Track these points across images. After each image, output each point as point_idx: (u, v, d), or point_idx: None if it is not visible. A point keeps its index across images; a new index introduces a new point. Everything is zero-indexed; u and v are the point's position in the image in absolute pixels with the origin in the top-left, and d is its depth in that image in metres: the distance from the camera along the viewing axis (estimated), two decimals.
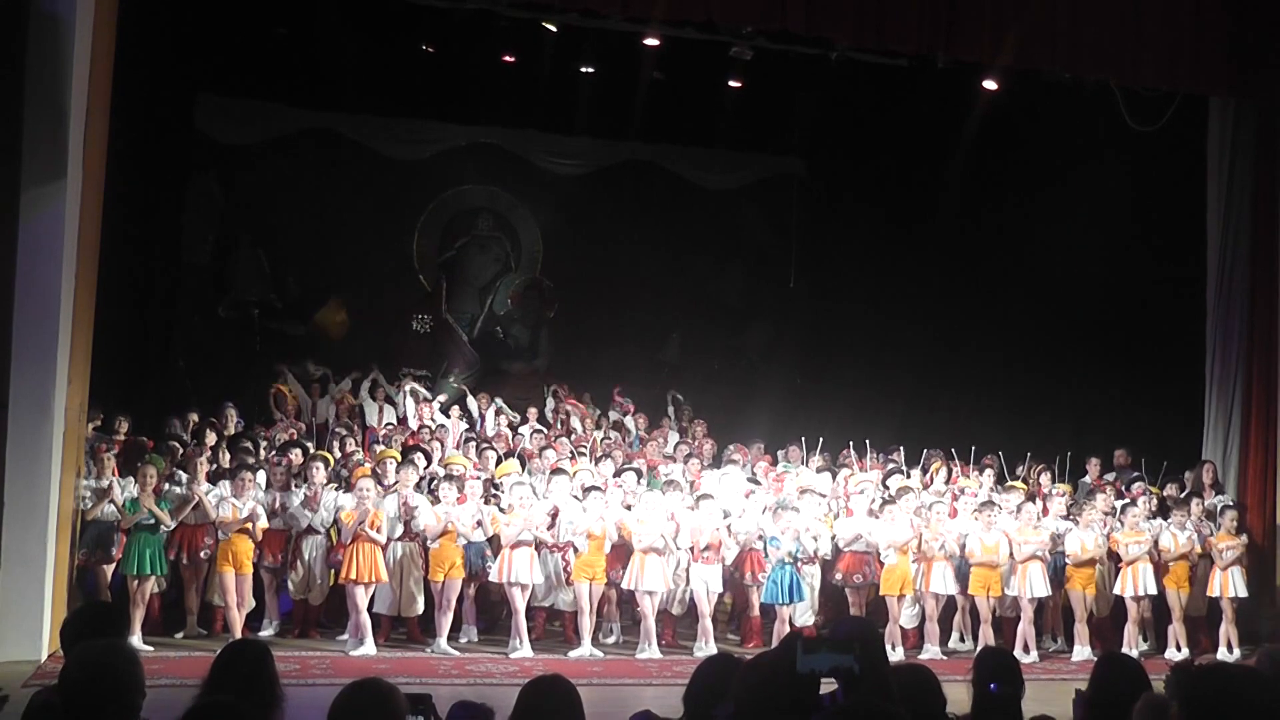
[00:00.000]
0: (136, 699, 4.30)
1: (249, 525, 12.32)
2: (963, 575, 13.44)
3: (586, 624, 12.75)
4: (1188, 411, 15.92)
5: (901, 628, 13.39)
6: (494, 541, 12.92)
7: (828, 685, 4.75)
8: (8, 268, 11.02)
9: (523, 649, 12.42)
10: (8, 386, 11.04)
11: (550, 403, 18.41)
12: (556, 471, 13.77)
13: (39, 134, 11.09)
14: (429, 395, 18.00)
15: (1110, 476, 15.94)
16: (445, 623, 12.54)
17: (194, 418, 15.12)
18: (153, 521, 12.21)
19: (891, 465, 15.92)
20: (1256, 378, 15.18)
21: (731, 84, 17.72)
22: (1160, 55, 14.44)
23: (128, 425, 14.25)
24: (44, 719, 4.79)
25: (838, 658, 3.10)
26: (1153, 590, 13.47)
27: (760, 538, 13.23)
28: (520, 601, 12.59)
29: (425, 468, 13.81)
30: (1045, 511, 13.97)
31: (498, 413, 17.97)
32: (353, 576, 12.15)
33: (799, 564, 13.15)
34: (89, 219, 11.82)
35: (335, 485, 13.20)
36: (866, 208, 19.59)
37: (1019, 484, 14.90)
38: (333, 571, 12.76)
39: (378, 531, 12.28)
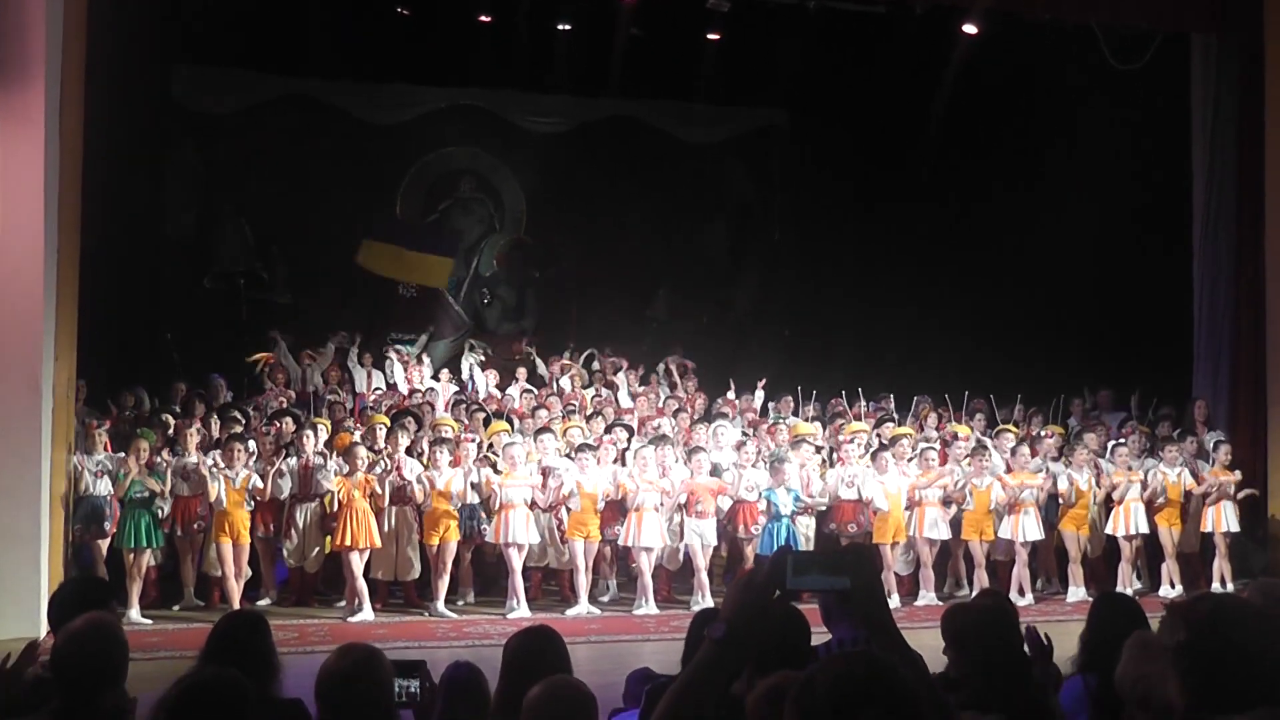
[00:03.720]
0: (120, 671, 4.30)
1: (253, 490, 12.39)
2: (955, 520, 13.50)
3: (583, 582, 12.81)
4: (1177, 349, 15.93)
5: (896, 574, 13.46)
6: (488, 503, 12.94)
7: (822, 635, 4.76)
8: None
9: (520, 609, 12.48)
10: None
11: (539, 363, 18.38)
12: (543, 431, 13.78)
13: (13, 109, 11.00)
14: (411, 355, 17.94)
15: (1095, 415, 16.02)
16: (442, 586, 12.59)
17: (182, 388, 15.11)
18: (146, 494, 12.21)
19: (882, 413, 15.96)
20: (1244, 314, 15.20)
21: (710, 37, 17.63)
22: None
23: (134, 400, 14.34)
24: (39, 694, 4.79)
25: (829, 579, 3.04)
26: (1144, 529, 13.55)
27: (752, 488, 13.25)
28: (517, 562, 12.64)
29: (416, 432, 13.80)
30: (1035, 453, 14.00)
31: (484, 367, 17.96)
32: (347, 543, 12.18)
33: (794, 515, 13.21)
34: (68, 194, 11.75)
35: (329, 453, 13.19)
36: (850, 157, 19.50)
37: (1011, 427, 14.94)
38: (327, 538, 12.78)
39: (372, 496, 12.30)
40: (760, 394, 17.01)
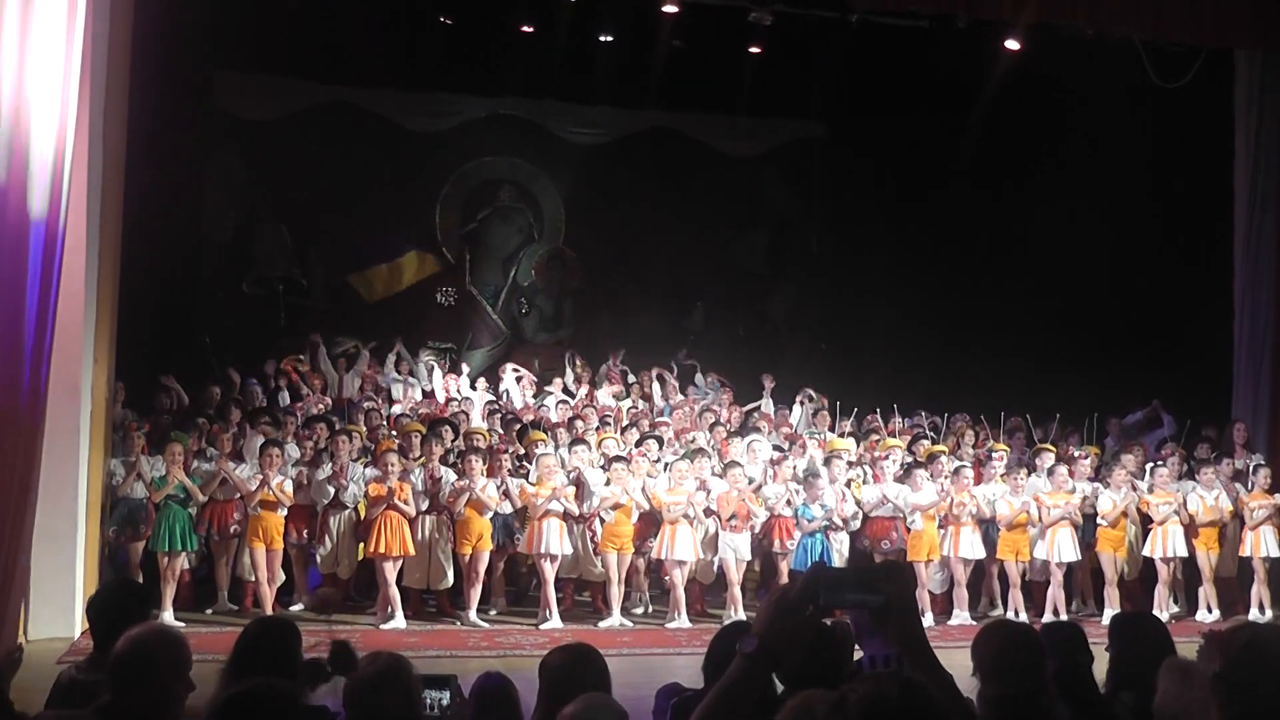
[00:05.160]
0: (183, 687, 4.33)
1: (277, 496, 12.41)
2: (991, 540, 13.39)
3: (615, 594, 12.77)
4: (1217, 370, 15.78)
5: (930, 593, 13.36)
6: (521, 513, 12.93)
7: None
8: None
9: (552, 620, 12.45)
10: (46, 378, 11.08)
11: (570, 373, 18.35)
12: (577, 442, 13.76)
13: None
14: (441, 364, 17.99)
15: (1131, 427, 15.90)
16: (474, 595, 12.57)
17: (218, 392, 15.19)
18: (182, 497, 12.27)
19: (918, 430, 15.88)
20: None
21: (751, 49, 17.61)
22: (1185, 8, 14.24)
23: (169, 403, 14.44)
24: (70, 696, 4.81)
25: (863, 596, 2.99)
26: (1182, 552, 13.40)
27: (789, 503, 13.19)
28: (550, 573, 12.61)
29: (452, 440, 13.81)
30: (1073, 474, 13.88)
31: (519, 379, 17.96)
32: (381, 550, 12.19)
33: (828, 532, 13.15)
34: (110, 199, 11.83)
35: (364, 460, 13.22)
36: (889, 171, 19.46)
37: (1050, 446, 14.83)
38: (361, 545, 12.79)
39: (406, 504, 12.31)
40: (769, 401, 17.01)
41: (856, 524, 13.48)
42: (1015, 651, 4.36)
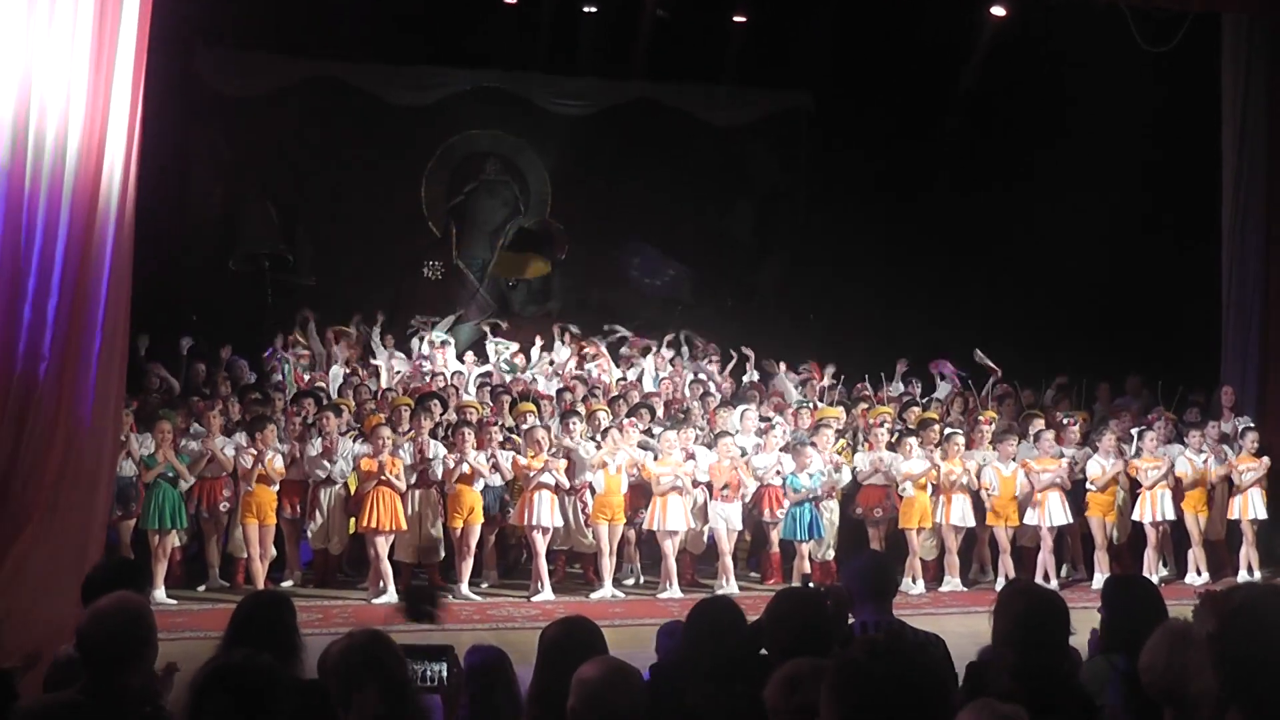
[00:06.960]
0: (149, 650, 4.30)
1: (269, 473, 12.41)
2: (981, 507, 13.42)
3: (607, 565, 12.79)
4: (1205, 335, 15.80)
5: (921, 560, 13.40)
6: (512, 486, 12.94)
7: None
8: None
9: (544, 592, 12.48)
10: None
11: (562, 349, 18.30)
12: (568, 413, 13.77)
13: None
14: (436, 338, 17.92)
15: (1122, 401, 15.92)
16: (466, 569, 12.60)
17: (202, 370, 15.14)
18: (172, 475, 12.27)
19: (908, 398, 15.90)
20: (1273, 300, 15.03)
21: (736, 19, 17.55)
22: None
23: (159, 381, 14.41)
24: (67, 675, 4.81)
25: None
26: (1171, 515, 13.46)
27: (778, 473, 13.22)
28: (541, 545, 12.63)
29: (441, 414, 13.80)
30: (1062, 439, 13.92)
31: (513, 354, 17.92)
32: (372, 525, 12.20)
33: (818, 500, 13.17)
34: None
35: (354, 435, 13.22)
36: (876, 140, 19.40)
37: (1038, 412, 14.86)
38: (352, 520, 12.79)
39: (397, 478, 12.31)
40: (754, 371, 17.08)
41: (843, 485, 13.51)
42: (1040, 619, 4.33)
